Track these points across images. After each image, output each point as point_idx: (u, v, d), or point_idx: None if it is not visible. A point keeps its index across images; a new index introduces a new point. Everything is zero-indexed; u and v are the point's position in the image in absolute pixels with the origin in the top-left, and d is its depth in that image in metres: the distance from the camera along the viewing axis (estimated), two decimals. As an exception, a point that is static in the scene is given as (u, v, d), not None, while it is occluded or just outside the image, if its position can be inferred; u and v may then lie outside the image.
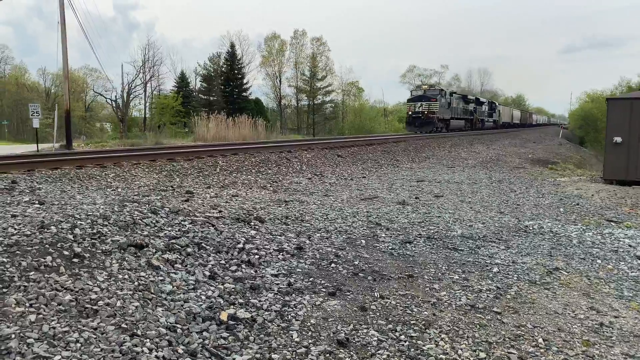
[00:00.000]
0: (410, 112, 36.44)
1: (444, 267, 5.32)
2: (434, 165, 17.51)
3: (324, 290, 4.41)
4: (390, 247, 5.98)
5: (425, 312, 4.08)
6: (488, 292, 4.66)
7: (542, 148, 32.42)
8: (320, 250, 5.57)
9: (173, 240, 4.92)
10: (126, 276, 4.00)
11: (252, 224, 6.31)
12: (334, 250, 5.61)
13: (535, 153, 27.33)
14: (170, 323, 3.48)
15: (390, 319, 3.92)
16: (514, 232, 7.29)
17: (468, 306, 4.27)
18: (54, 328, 3.16)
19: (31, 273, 3.72)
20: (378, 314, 4.00)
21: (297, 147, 17.11)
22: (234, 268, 4.68)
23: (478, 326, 3.92)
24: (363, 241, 6.18)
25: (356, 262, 5.25)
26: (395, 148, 21.31)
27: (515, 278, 5.13)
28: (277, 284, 4.46)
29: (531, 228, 7.55)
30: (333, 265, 5.11)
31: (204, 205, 7.06)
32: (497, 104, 58.05)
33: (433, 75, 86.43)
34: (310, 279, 4.65)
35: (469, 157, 21.74)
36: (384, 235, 6.59)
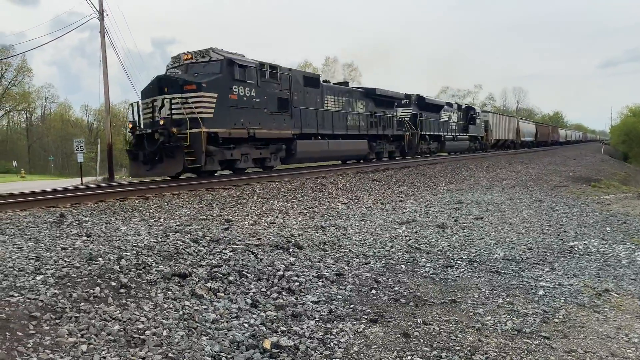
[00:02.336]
0: (130, 128, 14.91)
1: (487, 291, 5.21)
2: (472, 187, 17.25)
3: (365, 317, 4.38)
4: (431, 272, 5.91)
5: (470, 338, 4.00)
6: (535, 316, 4.53)
7: (583, 165, 31.53)
8: (360, 276, 5.55)
9: (215, 269, 5.00)
10: (171, 305, 4.09)
11: (291, 250, 6.35)
12: (373, 276, 5.58)
13: (576, 171, 26.59)
14: (215, 352, 3.53)
15: (434, 346, 3.85)
16: (558, 253, 7.08)
17: (514, 331, 4.16)
18: (104, 358, 3.25)
19: (81, 304, 3.84)
20: (422, 340, 3.94)
21: (332, 172, 17.19)
22: (274, 295, 4.71)
23: (526, 351, 3.81)
24: (403, 266, 6.12)
25: (397, 288, 5.20)
26: (432, 170, 21.13)
27: (563, 301, 4.97)
28: (318, 311, 4.46)
29: (576, 248, 7.32)
30: (373, 291, 5.08)
31: (243, 233, 7.15)
32: (477, 111, 41.03)
33: (467, 95, 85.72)
34: (351, 306, 4.63)
35: (508, 176, 21.33)
36: (424, 259, 6.52)
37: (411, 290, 5.14)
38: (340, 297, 4.86)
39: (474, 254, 6.85)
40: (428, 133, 30.36)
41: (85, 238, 5.74)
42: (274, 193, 12.39)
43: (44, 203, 8.95)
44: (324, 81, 21.66)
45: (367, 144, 23.21)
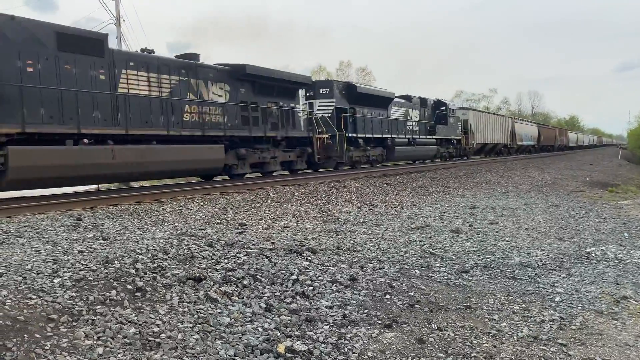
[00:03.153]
0: None
1: (502, 297, 5.16)
2: (487, 191, 17.12)
3: (379, 322, 4.36)
4: (445, 277, 5.87)
5: (486, 344, 3.96)
6: (551, 322, 4.48)
7: (600, 170, 31.13)
8: (374, 281, 5.53)
9: (229, 273, 5.02)
10: (186, 309, 4.11)
11: (305, 255, 6.35)
12: (387, 281, 5.56)
13: (593, 175, 26.27)
14: (230, 356, 3.54)
15: (449, 352, 3.82)
16: (575, 259, 6.99)
17: (531, 338, 4.12)
18: (120, 360, 3.28)
19: (98, 307, 3.88)
20: (437, 346, 3.92)
21: (346, 176, 17.18)
22: (289, 300, 4.72)
23: (542, 359, 3.77)
24: (417, 271, 6.09)
25: (411, 293, 5.18)
26: (446, 174, 21.01)
27: (580, 308, 4.91)
28: (332, 315, 4.45)
29: (594, 254, 7.23)
30: (388, 296, 5.06)
31: (257, 237, 7.17)
32: (451, 107, 31.86)
33: (481, 100, 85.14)
34: (365, 311, 4.62)
35: (523, 181, 21.13)
36: (438, 264, 6.48)
37: (426, 296, 5.11)
38: (354, 302, 4.85)
39: (489, 260, 6.79)
40: (363, 135, 22.04)
41: (102, 241, 5.80)
42: (287, 197, 12.41)
43: (60, 206, 9.06)
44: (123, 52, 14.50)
45: (222, 151, 14.55)
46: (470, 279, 5.86)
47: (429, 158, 29.77)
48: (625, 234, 8.84)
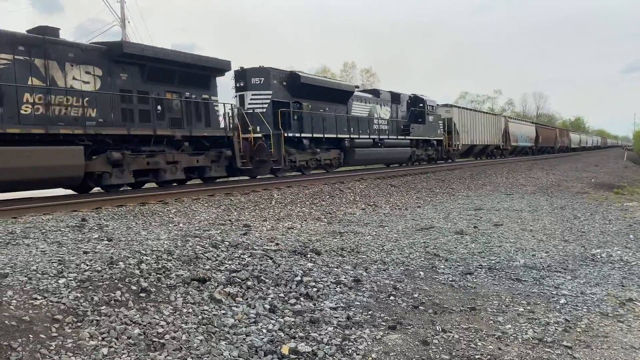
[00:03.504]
0: None
1: (507, 299, 5.14)
2: (492, 193, 17.08)
3: (384, 323, 4.36)
4: (450, 279, 5.85)
5: (490, 347, 3.95)
6: (556, 325, 4.46)
7: (605, 172, 30.99)
8: (378, 283, 5.52)
9: (234, 274, 5.02)
10: (190, 310, 4.12)
11: (309, 256, 6.35)
12: (392, 283, 5.55)
13: (599, 177, 26.15)
14: (234, 357, 3.54)
15: (453, 354, 3.81)
16: (580, 261, 6.96)
17: (535, 340, 4.10)
18: (124, 361, 3.28)
19: (102, 307, 3.90)
20: (441, 348, 3.91)
21: (350, 177, 17.17)
22: (292, 301, 4.71)
23: (547, 361, 3.75)
24: (422, 273, 6.08)
25: (415, 295, 5.17)
26: (450, 176, 20.97)
27: (585, 310, 4.89)
28: (336, 317, 4.45)
29: (599, 256, 7.19)
30: (392, 298, 5.06)
31: (261, 239, 7.18)
32: (430, 104, 27.73)
33: (486, 101, 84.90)
34: (370, 312, 4.61)
35: (528, 183, 21.07)
36: (442, 266, 6.46)
37: (430, 297, 5.10)
38: (359, 303, 4.84)
39: (493, 261, 6.77)
40: (310, 135, 18.45)
41: (107, 242, 5.82)
42: (291, 198, 12.42)
43: (66, 207, 9.10)
44: None
45: (81, 154, 10.95)
46: (475, 280, 5.85)
47: (402, 161, 25.62)
48: (631, 236, 8.79)
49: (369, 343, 3.95)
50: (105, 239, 6.04)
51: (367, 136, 21.68)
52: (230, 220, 9.16)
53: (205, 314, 4.10)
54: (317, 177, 17.14)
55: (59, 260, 4.69)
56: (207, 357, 3.47)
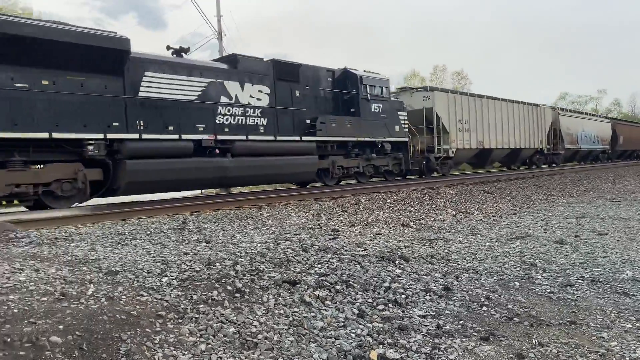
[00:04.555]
0: None
1: (612, 314, 4.78)
2: (595, 200, 15.92)
3: (475, 334, 4.23)
4: (548, 291, 5.55)
5: (593, 364, 3.70)
6: (671, 345, 4.08)
7: None
8: (470, 292, 5.36)
9: (323, 278, 5.11)
10: (282, 311, 4.25)
11: (397, 262, 6.30)
12: (484, 292, 5.36)
13: None
14: (323, 359, 3.61)
15: (551, 370, 3.61)
16: (700, 276, 6.30)
17: (646, 360, 3.78)
18: (220, 358, 3.46)
19: (201, 306, 4.13)
20: (537, 362, 3.72)
21: (440, 183, 16.80)
22: (381, 307, 4.71)
23: (660, 384, 3.44)
24: (517, 283, 5.82)
25: (510, 306, 4.95)
26: (549, 182, 19.84)
27: None
28: (426, 325, 4.38)
29: None
30: (484, 308, 4.89)
31: (349, 243, 7.23)
32: (376, 86, 18.02)
33: (588, 102, 79.36)
34: (460, 322, 4.49)
35: (638, 189, 19.39)
36: (540, 277, 6.14)
37: (526, 309, 4.87)
38: (449, 312, 4.74)
39: (597, 273, 6.32)
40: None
41: (205, 244, 6.16)
42: (379, 204, 12.38)
43: (168, 211, 9.74)
44: None
45: None
46: (576, 293, 5.49)
47: (298, 180, 16.66)
48: None
49: (460, 353, 3.85)
50: (204, 241, 6.39)
51: (192, 136, 12.45)
52: (319, 225, 9.32)
53: (295, 315, 4.22)
54: (406, 183, 16.95)
55: (162, 260, 5.04)
56: (298, 358, 3.56)
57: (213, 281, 4.56)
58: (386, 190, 14.48)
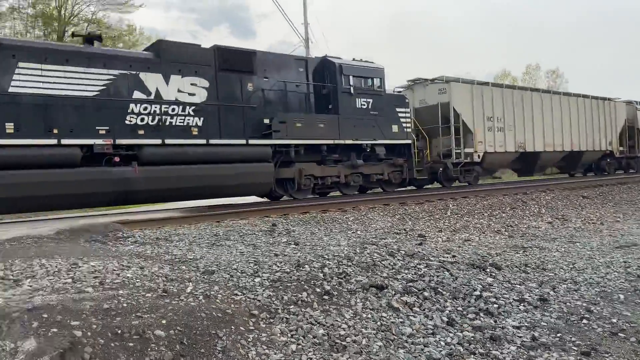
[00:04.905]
0: None
1: None
2: None
3: (575, 348, 4.00)
4: (658, 305, 5.11)
5: None
6: None
7: None
8: (568, 304, 5.07)
9: (410, 284, 5.07)
10: (369, 315, 4.28)
11: (488, 270, 6.10)
12: (584, 305, 5.05)
13: None
14: (412, 366, 3.58)
15: (663, 392, 3.34)
16: None
17: None
18: (310, 359, 3.55)
19: (291, 307, 4.26)
20: (646, 383, 3.45)
21: (533, 188, 15.99)
22: (471, 316, 4.59)
23: None
24: (621, 296, 5.41)
25: (614, 320, 4.63)
26: (658, 186, 18.22)
27: None
28: (520, 336, 4.21)
29: None
30: (585, 321, 4.60)
31: (437, 249, 7.10)
32: (363, 77, 14.71)
33: None
34: (558, 335, 4.27)
35: None
36: (648, 290, 5.67)
37: (632, 325, 4.53)
38: (545, 324, 4.51)
39: None
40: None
41: (294, 246, 6.33)
42: (468, 209, 12.02)
43: (259, 213, 10.10)
44: None
45: None
46: (692, 309, 5.02)
47: (236, 193, 12.94)
48: None
49: (558, 368, 3.66)
50: (293, 243, 6.57)
51: (73, 140, 10.03)
52: (405, 230, 9.23)
53: (383, 320, 4.22)
54: (497, 187, 16.30)
55: (254, 261, 5.25)
56: (386, 363, 3.57)
57: (302, 283, 4.68)
58: (475, 195, 14.03)
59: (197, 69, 11.83)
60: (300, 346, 3.69)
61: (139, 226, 8.16)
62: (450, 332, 4.19)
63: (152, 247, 6.32)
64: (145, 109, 10.95)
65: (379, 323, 4.16)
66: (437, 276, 5.46)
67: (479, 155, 17.67)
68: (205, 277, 4.72)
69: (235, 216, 9.63)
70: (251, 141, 12.30)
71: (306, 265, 5.07)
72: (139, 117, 10.87)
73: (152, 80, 11.14)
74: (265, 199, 14.11)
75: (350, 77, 14.45)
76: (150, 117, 11.02)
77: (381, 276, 5.20)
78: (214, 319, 3.79)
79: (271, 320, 4.02)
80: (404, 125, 15.62)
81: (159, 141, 10.90)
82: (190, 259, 5.53)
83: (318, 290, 4.60)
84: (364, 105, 14.72)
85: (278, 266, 5.06)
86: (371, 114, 14.78)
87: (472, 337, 4.12)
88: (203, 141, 11.54)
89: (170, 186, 10.88)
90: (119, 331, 3.34)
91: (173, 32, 62.52)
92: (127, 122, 10.70)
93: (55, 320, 3.26)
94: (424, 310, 4.59)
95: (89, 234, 7.00)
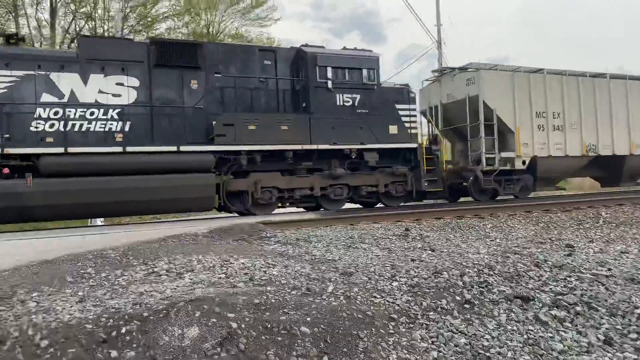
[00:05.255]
0: None
1: None
2: None
3: None
4: None
5: None
6: None
7: None
8: None
9: (559, 297, 4.73)
10: (514, 328, 4.07)
11: (653, 287, 5.46)
12: None
13: None
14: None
15: None
16: None
17: None
18: (452, 367, 3.48)
19: (430, 313, 4.21)
20: None
21: None
22: (634, 336, 4.15)
23: None
24: None
25: None
26: None
27: None
28: (695, 364, 3.71)
29: None
30: None
31: (588, 261, 6.51)
32: (347, 68, 12.28)
33: None
34: None
35: None
36: None
37: None
38: None
39: None
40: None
41: (430, 252, 6.24)
42: (624, 218, 10.86)
43: (391, 218, 10.10)
44: None
45: None
46: None
47: (165, 209, 11.67)
48: None
49: None
50: (428, 248, 6.48)
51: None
52: (550, 239, 8.60)
53: (530, 334, 3.99)
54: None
55: (391, 265, 5.28)
56: (535, 379, 3.37)
57: (441, 290, 4.60)
58: (632, 202, 12.64)
59: (124, 66, 10.39)
60: (441, 354, 3.64)
61: (280, 227, 8.61)
62: (608, 351, 3.84)
63: (293, 247, 6.64)
64: (56, 113, 9.77)
65: (525, 336, 3.94)
66: (591, 290, 5.02)
67: (523, 161, 14.17)
68: (345, 278, 4.85)
69: (368, 220, 9.74)
70: (184, 148, 10.50)
71: (444, 272, 4.97)
72: (48, 123, 9.70)
73: (66, 81, 9.95)
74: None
75: (328, 69, 12.05)
76: (63, 123, 9.77)
77: (526, 287, 4.92)
78: (355, 320, 3.89)
79: (411, 325, 4.01)
80: (407, 125, 12.90)
81: (61, 149, 9.63)
82: (328, 259, 5.72)
83: (458, 298, 4.49)
84: (348, 102, 12.30)
85: (415, 271, 5.03)
86: (358, 113, 12.33)
87: (635, 359, 3.73)
88: (119, 149, 10.05)
89: (77, 201, 9.56)
90: (269, 325, 3.57)
91: (307, 42, 65.04)
92: (32, 128, 9.64)
93: (214, 311, 3.58)
94: (576, 326, 4.25)
95: (237, 233, 7.56)
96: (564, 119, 14.87)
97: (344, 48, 13.01)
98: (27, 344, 3.13)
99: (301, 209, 12.98)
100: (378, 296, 4.41)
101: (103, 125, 10.11)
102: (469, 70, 14.57)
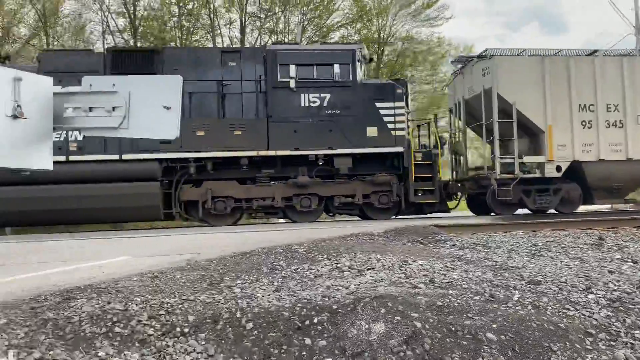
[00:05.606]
0: None
1: None
2: None
3: None
4: None
5: None
6: None
7: None
8: None
9: None
10: None
11: None
12: None
13: None
14: None
15: None
16: None
17: None
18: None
19: (636, 332, 3.76)
20: None
21: None
22: None
23: None
24: None
25: None
26: None
27: None
28: None
29: None
30: None
31: None
32: (310, 65, 11.22)
33: None
34: None
35: None
36: None
37: None
38: None
39: None
40: None
41: (631, 264, 5.56)
42: None
43: (580, 225, 9.20)
44: None
45: None
46: None
47: (105, 219, 11.75)
48: None
49: None
50: (630, 260, 5.78)
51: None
52: None
53: None
54: None
55: (585, 276, 4.83)
56: None
57: (648, 307, 4.08)
58: None
59: (80, 77, 10.15)
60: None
61: (454, 231, 8.43)
62: None
63: (471, 252, 6.46)
64: None
65: None
66: None
67: (558, 167, 11.60)
68: (531, 286, 4.57)
69: (553, 226, 9.02)
70: (126, 156, 10.52)
71: (653, 287, 4.40)
72: None
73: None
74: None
75: (291, 67, 11.25)
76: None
77: None
78: (546, 331, 3.65)
79: (612, 343, 3.63)
80: (391, 126, 11.49)
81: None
82: (511, 266, 5.44)
83: (668, 318, 3.93)
84: (315, 102, 11.36)
85: (615, 284, 4.54)
86: (327, 114, 11.35)
87: None
88: (63, 158, 10.09)
89: (5, 209, 10.00)
90: (453, 328, 3.53)
91: (479, 39, 62.58)
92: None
93: (398, 309, 3.66)
94: None
95: (411, 234, 7.60)
96: (624, 112, 11.82)
97: (324, 43, 12.47)
98: (235, 325, 3.55)
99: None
100: (572, 308, 4.07)
101: (58, 136, 9.92)
102: (485, 58, 12.27)
